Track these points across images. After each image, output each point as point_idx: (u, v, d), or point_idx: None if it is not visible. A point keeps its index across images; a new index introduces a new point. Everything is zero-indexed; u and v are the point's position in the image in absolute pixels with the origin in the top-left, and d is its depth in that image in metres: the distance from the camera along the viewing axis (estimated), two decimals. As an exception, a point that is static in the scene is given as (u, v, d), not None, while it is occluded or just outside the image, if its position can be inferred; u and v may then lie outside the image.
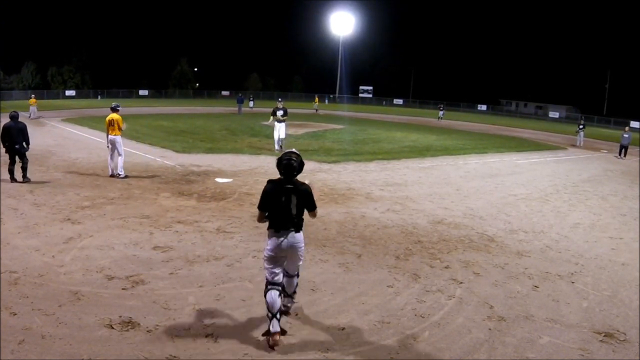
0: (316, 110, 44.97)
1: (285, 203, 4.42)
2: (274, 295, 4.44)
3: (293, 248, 4.51)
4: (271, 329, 4.40)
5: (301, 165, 4.52)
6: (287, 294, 4.89)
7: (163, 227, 7.71)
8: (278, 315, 4.43)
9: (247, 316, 4.90)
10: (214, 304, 5.12)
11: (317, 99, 49.22)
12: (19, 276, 5.57)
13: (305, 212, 4.61)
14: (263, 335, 4.50)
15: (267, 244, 4.54)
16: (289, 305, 4.98)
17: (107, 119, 11.65)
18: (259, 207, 4.54)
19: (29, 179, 10.60)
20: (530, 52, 78.51)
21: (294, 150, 4.63)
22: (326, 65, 76.95)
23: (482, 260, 6.94)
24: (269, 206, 4.48)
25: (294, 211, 4.46)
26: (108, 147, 11.71)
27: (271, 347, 4.33)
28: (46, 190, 10.01)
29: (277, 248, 4.48)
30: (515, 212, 10.13)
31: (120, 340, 4.31)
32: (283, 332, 4.56)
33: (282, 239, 4.46)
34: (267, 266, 4.55)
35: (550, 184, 13.76)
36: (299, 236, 4.54)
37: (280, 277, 4.58)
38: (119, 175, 11.49)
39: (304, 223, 4.62)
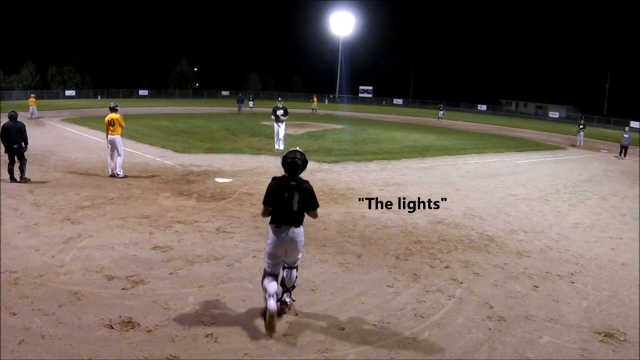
0: (314, 110, 44.38)
1: (288, 199, 4.57)
2: (270, 281, 4.63)
3: (293, 242, 4.65)
4: (268, 307, 4.44)
5: (305, 163, 4.69)
6: (287, 288, 4.95)
7: (163, 227, 7.71)
8: (275, 296, 4.50)
9: (247, 316, 4.90)
10: (214, 304, 5.12)
11: (315, 99, 48.38)
12: (19, 276, 5.57)
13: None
14: (261, 316, 4.75)
15: (269, 238, 4.71)
16: (287, 301, 4.99)
17: (107, 118, 11.71)
18: (264, 202, 4.66)
19: (28, 179, 10.61)
20: (530, 52, 78.54)
21: (298, 148, 4.77)
22: (326, 65, 77.03)
23: (482, 260, 6.94)
24: (273, 201, 4.62)
25: (295, 207, 4.59)
26: (108, 147, 11.75)
27: (267, 327, 4.47)
28: (46, 190, 10.00)
29: (278, 243, 4.63)
30: (515, 212, 10.13)
31: (120, 340, 4.31)
32: (280, 313, 4.73)
33: (282, 234, 4.61)
34: (267, 260, 4.74)
35: (550, 184, 13.76)
36: (299, 230, 4.68)
37: (278, 270, 4.80)
38: (118, 175, 11.50)
39: (304, 220, 4.74)
